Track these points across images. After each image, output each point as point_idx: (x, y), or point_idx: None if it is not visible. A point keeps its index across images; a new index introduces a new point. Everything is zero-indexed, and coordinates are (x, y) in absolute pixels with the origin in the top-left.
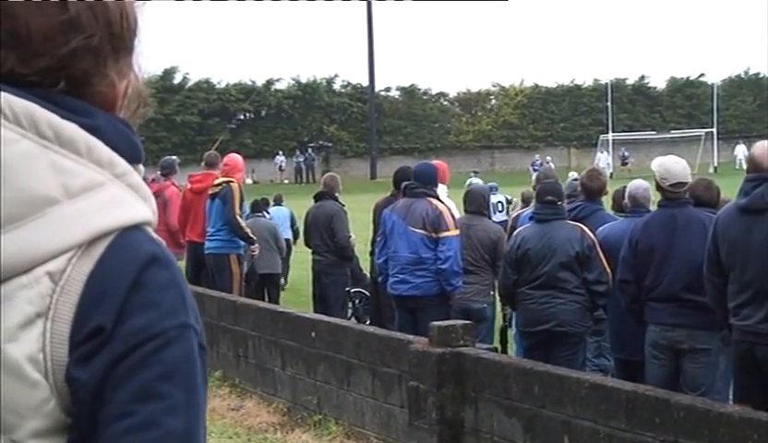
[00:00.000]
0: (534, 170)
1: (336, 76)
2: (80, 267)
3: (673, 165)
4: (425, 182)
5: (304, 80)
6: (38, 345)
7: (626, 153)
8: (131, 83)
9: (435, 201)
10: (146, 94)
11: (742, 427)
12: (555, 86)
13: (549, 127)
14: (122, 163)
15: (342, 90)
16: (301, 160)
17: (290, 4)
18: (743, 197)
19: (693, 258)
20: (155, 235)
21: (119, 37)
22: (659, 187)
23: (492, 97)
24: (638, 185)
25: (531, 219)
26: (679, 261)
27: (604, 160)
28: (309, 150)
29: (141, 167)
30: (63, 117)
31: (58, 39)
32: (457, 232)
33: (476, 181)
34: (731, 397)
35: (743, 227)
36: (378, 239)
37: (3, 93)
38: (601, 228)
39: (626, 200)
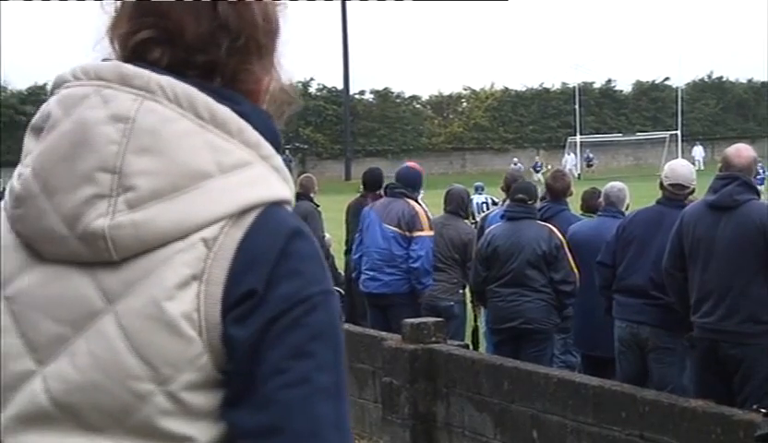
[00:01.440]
0: (536, 171)
1: (311, 79)
2: (232, 235)
3: (679, 167)
4: (406, 184)
5: None
6: (193, 305)
7: (590, 155)
8: (273, 79)
9: (413, 202)
10: (291, 92)
11: (706, 421)
12: (524, 89)
13: (519, 130)
14: (267, 146)
15: (318, 93)
16: None
17: None
18: (712, 193)
19: None
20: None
21: (262, 37)
22: (662, 185)
23: (463, 100)
24: (613, 185)
25: (502, 217)
26: (654, 258)
27: (571, 161)
28: (287, 152)
29: (282, 157)
30: (217, 102)
31: (210, 42)
32: (431, 233)
33: (516, 167)
34: None
35: (709, 223)
36: (357, 236)
37: (167, 77)
38: (572, 226)
39: (601, 199)
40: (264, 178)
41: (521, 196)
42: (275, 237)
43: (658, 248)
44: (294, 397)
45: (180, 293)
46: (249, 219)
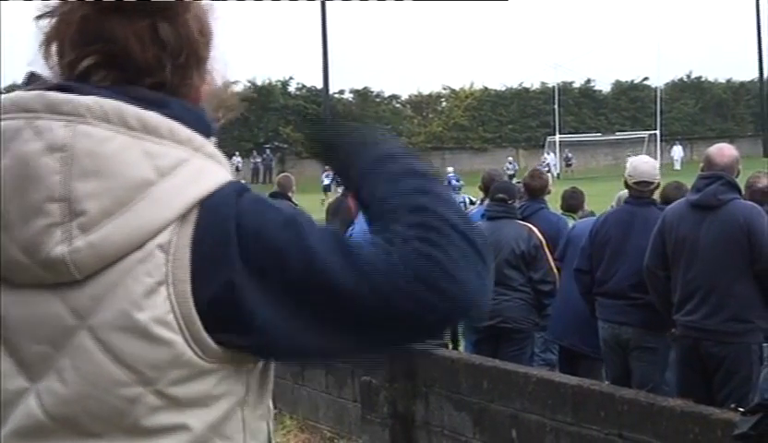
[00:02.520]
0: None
1: (291, 78)
2: (184, 233)
3: (641, 164)
4: None
5: (259, 83)
6: (166, 308)
7: (569, 155)
8: (207, 83)
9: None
10: (227, 98)
11: (684, 421)
12: (503, 89)
13: (498, 129)
14: (198, 138)
15: (298, 93)
16: (258, 160)
17: (244, 5)
18: (695, 193)
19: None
20: None
21: (201, 51)
22: (627, 184)
23: (443, 99)
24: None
25: (482, 216)
26: (631, 259)
27: (551, 160)
28: (267, 151)
29: (213, 139)
30: (146, 108)
31: (156, 65)
32: None
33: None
34: None
35: (693, 223)
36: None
37: (92, 97)
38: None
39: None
40: (201, 169)
41: (501, 195)
42: (224, 220)
43: (634, 248)
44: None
45: (148, 301)
46: (195, 212)
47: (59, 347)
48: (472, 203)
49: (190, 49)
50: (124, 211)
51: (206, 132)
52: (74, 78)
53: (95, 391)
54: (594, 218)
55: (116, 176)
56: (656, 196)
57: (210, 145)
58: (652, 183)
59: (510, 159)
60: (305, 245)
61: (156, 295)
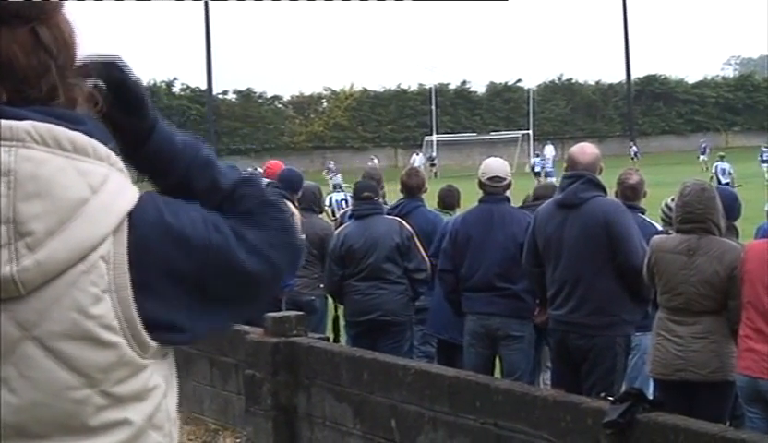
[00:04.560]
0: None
1: (175, 79)
2: (119, 242)
3: (492, 162)
4: (287, 187)
5: (144, 84)
6: (112, 314)
7: (433, 154)
8: (81, 86)
9: (288, 204)
10: (93, 94)
11: (556, 410)
12: (382, 90)
13: (377, 129)
14: (111, 153)
15: (182, 93)
16: None
17: (128, 5)
18: (560, 192)
19: (507, 249)
20: None
21: (73, 52)
22: (480, 184)
23: (324, 100)
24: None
25: (351, 217)
26: (493, 252)
27: (419, 161)
28: None
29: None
30: (70, 129)
31: (43, 70)
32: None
33: (373, 164)
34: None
35: (558, 221)
36: None
37: (29, 122)
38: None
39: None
40: (121, 183)
41: (366, 193)
42: (151, 228)
43: (494, 243)
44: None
45: (95, 308)
46: (125, 223)
47: (5, 359)
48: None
49: (66, 51)
50: (65, 229)
51: (110, 146)
52: None
53: (45, 398)
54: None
55: (57, 196)
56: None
57: (119, 159)
58: (504, 178)
59: (373, 156)
60: (222, 239)
61: (102, 303)
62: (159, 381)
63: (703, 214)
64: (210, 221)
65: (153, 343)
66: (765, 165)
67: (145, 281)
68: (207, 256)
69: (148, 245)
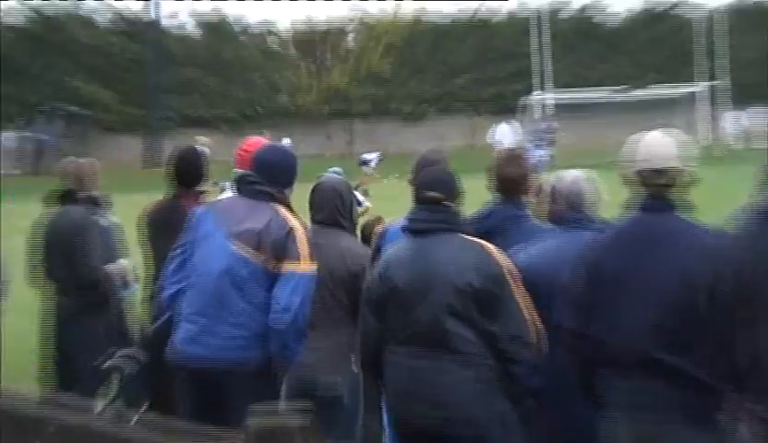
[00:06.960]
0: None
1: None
2: None
3: (656, 139)
4: (268, 179)
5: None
6: None
7: (541, 125)
8: None
9: (283, 210)
10: None
11: None
12: (449, 21)
13: (441, 83)
14: None
15: (107, 23)
16: (44, 136)
17: None
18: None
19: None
20: None
21: None
22: (635, 179)
23: (349, 34)
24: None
25: (403, 231)
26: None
27: (510, 135)
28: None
29: None
30: None
31: None
32: (312, 266)
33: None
34: None
35: None
36: (174, 257)
37: None
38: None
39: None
40: None
41: (432, 193)
42: None
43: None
44: None
45: None
46: None
47: None
48: (359, 204)
49: None
50: None
51: None
52: None
53: None
54: None
55: None
56: None
57: None
58: (679, 170)
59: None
60: None
61: None
62: None
63: None
64: None
65: None
66: None
67: None
68: None
69: None
